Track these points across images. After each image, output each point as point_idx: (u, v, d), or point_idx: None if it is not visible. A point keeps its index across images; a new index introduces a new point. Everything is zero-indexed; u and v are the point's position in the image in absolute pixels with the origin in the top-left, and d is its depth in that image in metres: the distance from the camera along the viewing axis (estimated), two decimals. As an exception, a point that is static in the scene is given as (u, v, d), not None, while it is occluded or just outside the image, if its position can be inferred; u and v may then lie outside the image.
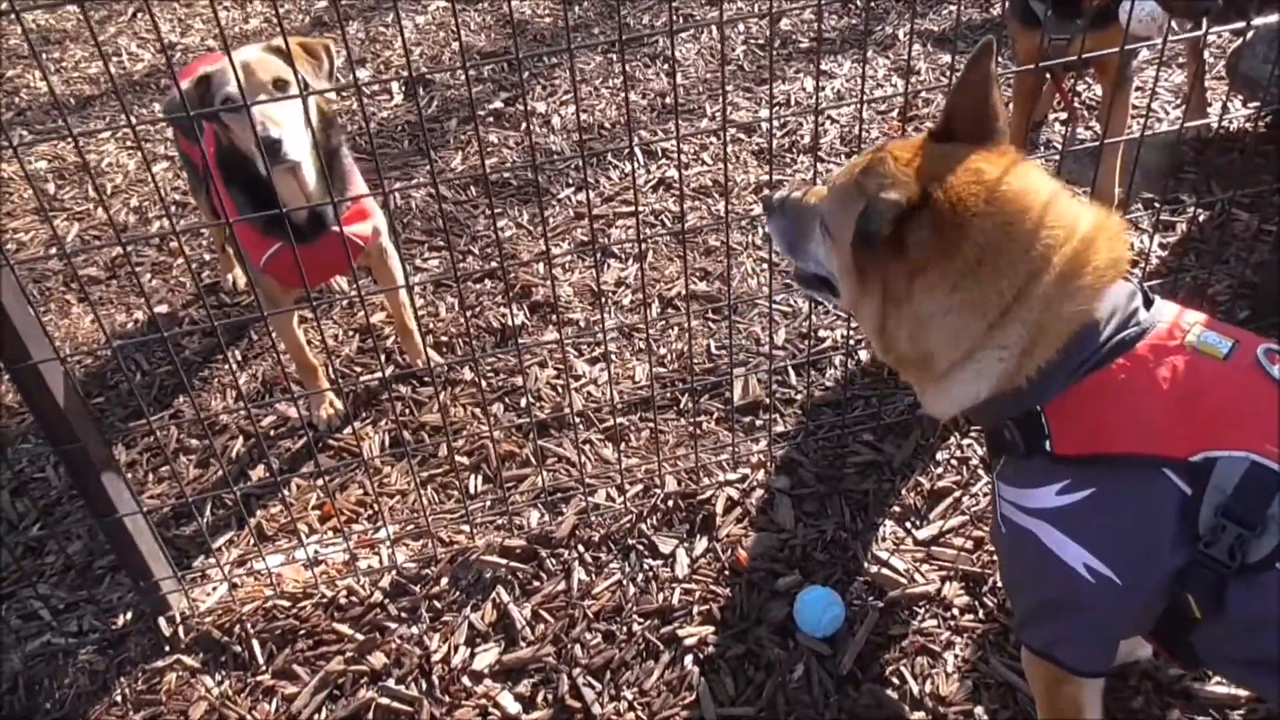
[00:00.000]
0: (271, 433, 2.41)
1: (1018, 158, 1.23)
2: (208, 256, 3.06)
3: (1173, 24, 2.16)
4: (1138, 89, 3.03)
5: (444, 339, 2.65)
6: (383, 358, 2.58)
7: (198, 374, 2.63)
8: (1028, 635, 1.32)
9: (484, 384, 2.47)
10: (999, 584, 1.85)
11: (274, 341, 2.47)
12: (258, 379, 2.60)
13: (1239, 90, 2.82)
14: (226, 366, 2.63)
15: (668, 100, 3.59)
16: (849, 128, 3.25)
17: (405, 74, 3.95)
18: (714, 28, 4.02)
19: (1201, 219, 2.66)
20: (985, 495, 2.04)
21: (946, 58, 3.60)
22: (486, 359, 2.55)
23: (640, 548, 2.03)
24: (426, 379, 2.49)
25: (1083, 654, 1.27)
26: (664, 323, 2.61)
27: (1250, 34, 2.45)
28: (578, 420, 2.34)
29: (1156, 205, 2.65)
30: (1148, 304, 1.22)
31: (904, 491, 2.09)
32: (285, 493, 2.24)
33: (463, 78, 3.80)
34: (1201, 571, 1.11)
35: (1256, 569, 1.08)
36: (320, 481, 2.26)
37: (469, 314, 2.72)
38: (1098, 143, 1.80)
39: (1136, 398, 1.15)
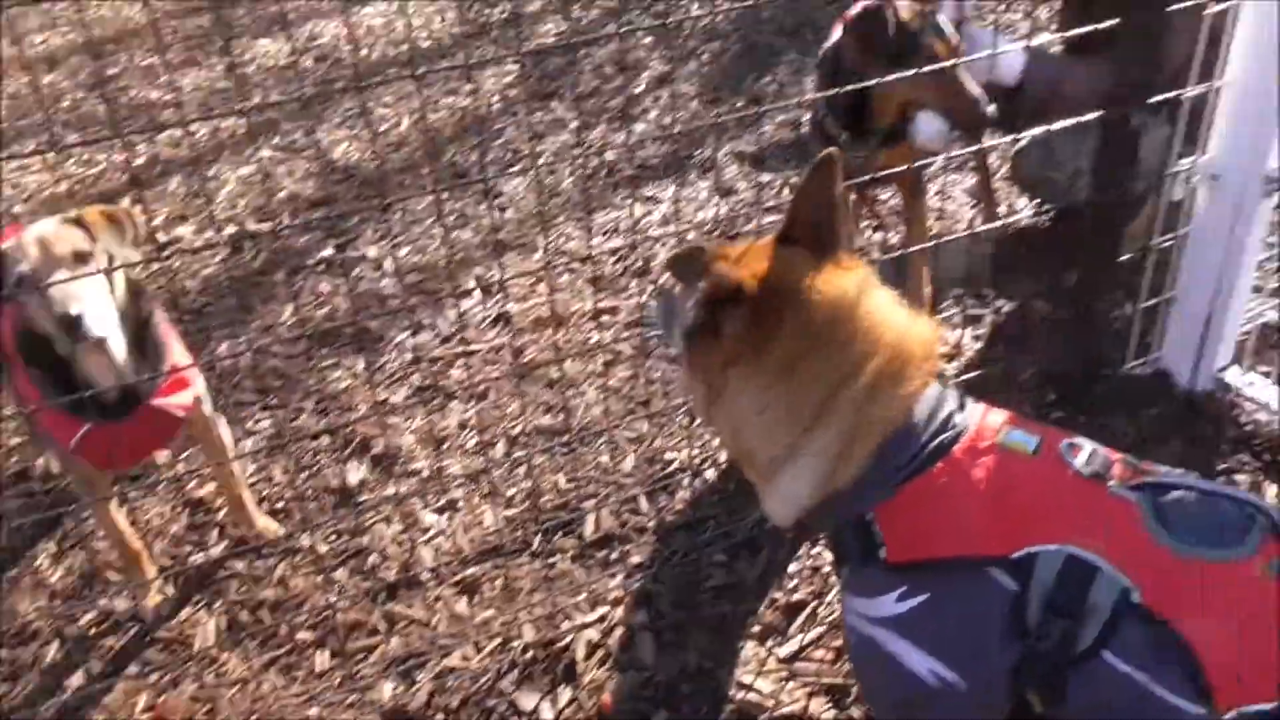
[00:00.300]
0: (92, 632, 2.23)
1: (848, 264, 1.27)
2: (15, 441, 2.87)
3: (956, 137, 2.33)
4: (936, 194, 3.24)
5: (280, 505, 2.54)
6: (215, 532, 2.45)
7: (5, 574, 2.43)
8: None
9: (325, 549, 2.37)
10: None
11: (93, 528, 2.31)
12: (74, 573, 2.42)
13: (1023, 190, 3.04)
14: (37, 563, 2.43)
15: (501, 235, 3.62)
16: (678, 249, 3.34)
17: (229, 229, 3.87)
18: (544, 160, 4.12)
19: (1005, 311, 2.83)
20: (839, 602, 2.05)
21: (765, 176, 3.77)
22: (326, 522, 2.44)
23: (502, 709, 1.94)
24: (264, 551, 2.36)
25: None
26: (509, 463, 2.57)
27: (1024, 141, 2.66)
28: (428, 576, 2.26)
29: (964, 301, 2.81)
30: (962, 406, 1.27)
31: (762, 609, 2.08)
32: (109, 699, 2.06)
33: (288, 229, 3.76)
34: (1036, 666, 1.14)
35: (1085, 658, 1.11)
36: (151, 679, 2.09)
37: (305, 475, 2.62)
38: (906, 248, 1.91)
39: (957, 500, 1.19)
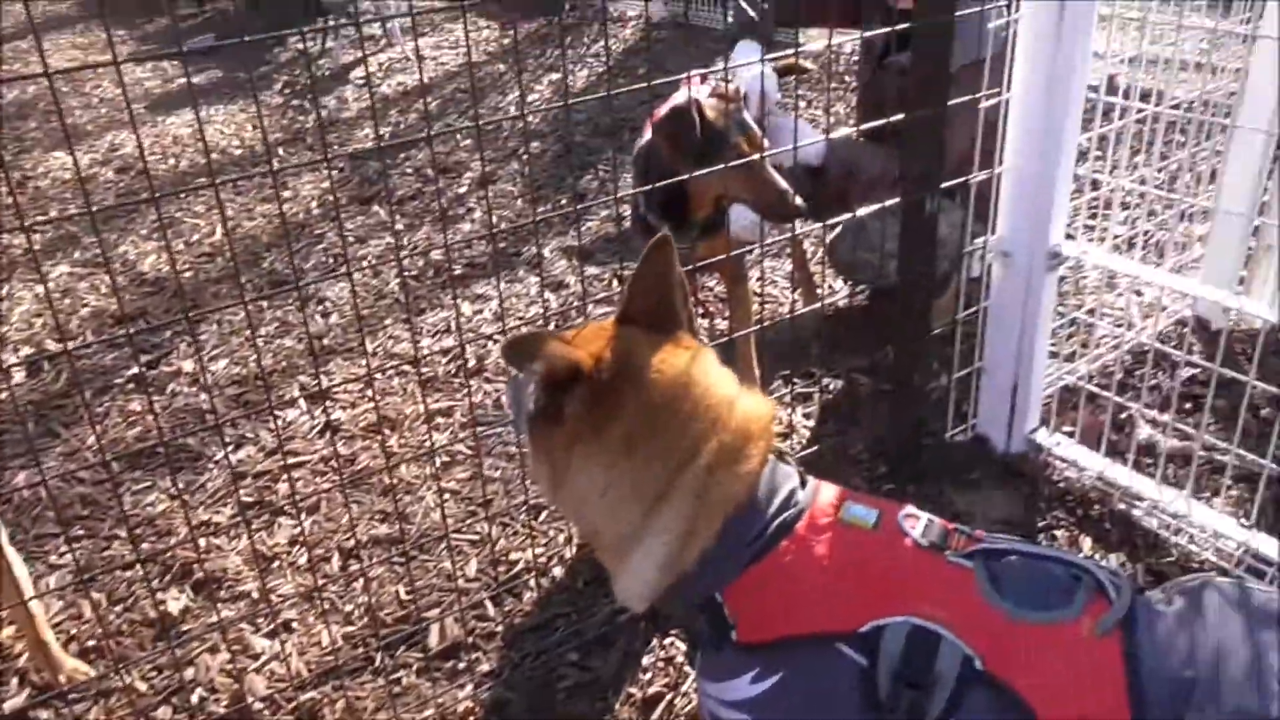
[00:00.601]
0: None
1: (687, 345, 1.29)
2: None
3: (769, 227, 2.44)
4: (758, 280, 3.37)
5: (91, 643, 2.32)
6: (15, 681, 2.21)
7: None
8: None
9: (144, 687, 2.17)
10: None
11: None
12: None
13: (839, 273, 3.21)
14: None
15: (326, 341, 3.52)
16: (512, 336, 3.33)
17: (25, 350, 3.61)
18: (369, 263, 4.05)
19: (832, 388, 2.95)
20: (695, 692, 2.04)
21: (592, 269, 3.83)
22: (144, 658, 2.25)
23: (347, 843, 1.81)
24: (72, 696, 2.15)
25: None
26: (345, 577, 2.45)
27: (839, 228, 2.81)
28: (261, 706, 2.10)
29: (792, 381, 2.91)
30: (802, 483, 1.29)
31: (618, 706, 2.04)
32: None
33: (94, 347, 3.53)
34: None
35: None
36: None
37: (120, 608, 2.41)
38: (732, 333, 1.96)
39: (804, 578, 1.20)
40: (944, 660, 1.12)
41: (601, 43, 6.72)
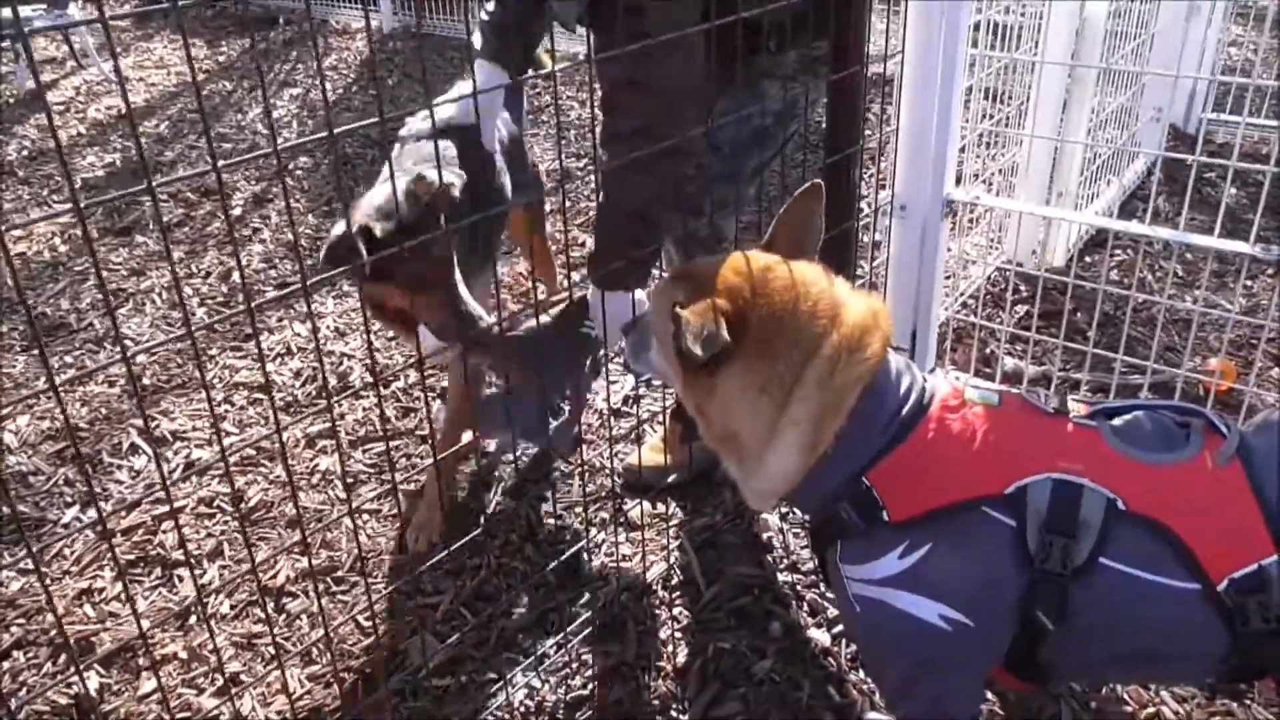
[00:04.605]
0: None
1: (807, 262, 1.43)
2: None
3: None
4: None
5: (-2, 748, 1.94)
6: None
7: None
8: (906, 709, 1.38)
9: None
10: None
11: None
12: None
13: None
14: None
15: (146, 381, 3.12)
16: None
17: None
18: (157, 292, 3.62)
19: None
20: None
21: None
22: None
23: None
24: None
25: (962, 701, 1.38)
26: (286, 616, 2.21)
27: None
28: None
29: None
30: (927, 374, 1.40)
31: (651, 681, 2.02)
32: None
33: None
34: (1042, 588, 1.26)
35: (1084, 570, 1.25)
36: None
37: (14, 703, 2.02)
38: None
39: (946, 453, 1.31)
40: (1088, 507, 1.25)
41: (332, 56, 6.43)
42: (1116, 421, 1.34)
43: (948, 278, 2.83)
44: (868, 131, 2.35)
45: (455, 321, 1.90)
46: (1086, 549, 1.24)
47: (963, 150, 2.66)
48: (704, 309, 1.29)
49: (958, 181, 2.55)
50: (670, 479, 2.47)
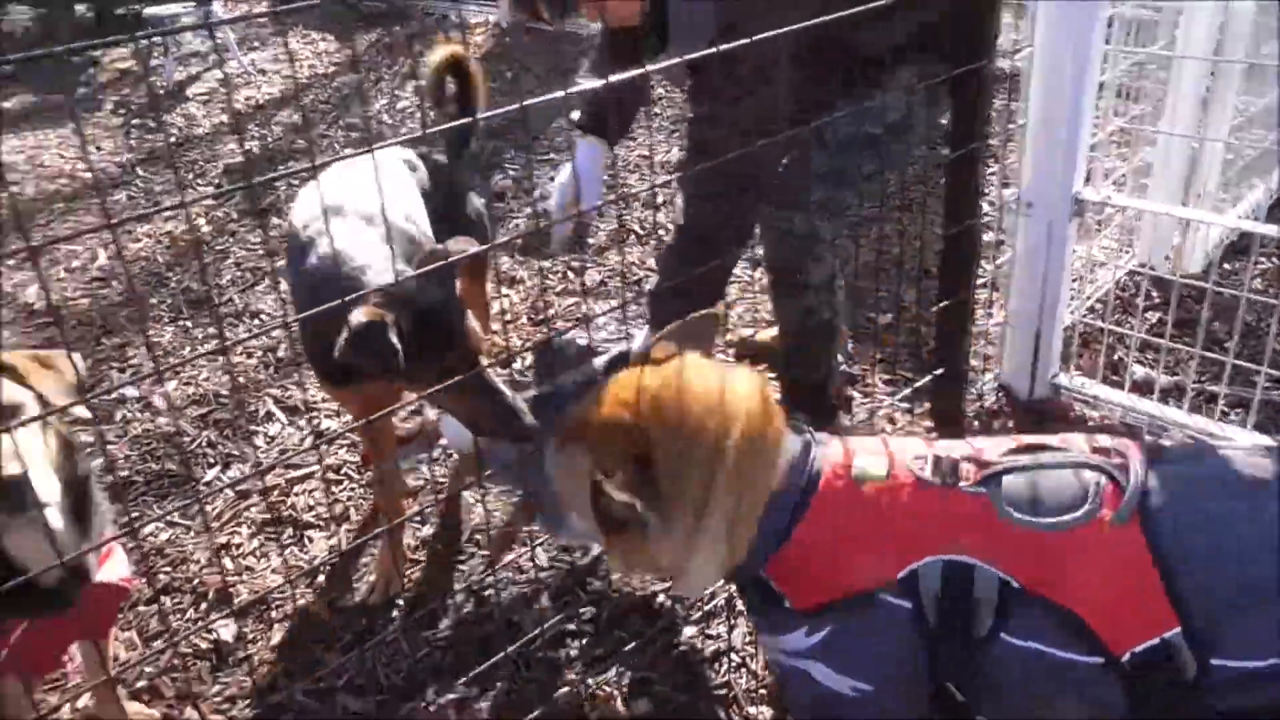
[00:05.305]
0: None
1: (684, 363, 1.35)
2: None
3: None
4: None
5: (140, 684, 2.08)
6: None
7: None
8: None
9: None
10: None
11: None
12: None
13: None
14: None
15: (281, 354, 3.30)
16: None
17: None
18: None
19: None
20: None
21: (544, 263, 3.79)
22: (209, 690, 2.03)
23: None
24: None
25: None
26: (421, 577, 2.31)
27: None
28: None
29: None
30: (809, 446, 1.34)
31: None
32: None
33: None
34: (945, 661, 1.26)
35: (987, 642, 1.23)
36: None
37: (159, 643, 2.18)
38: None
39: (836, 540, 1.29)
40: (981, 587, 1.22)
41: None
42: (1009, 486, 1.27)
43: (1074, 281, 2.77)
44: (994, 128, 2.32)
45: (493, 413, 1.72)
46: (987, 623, 1.22)
47: (1093, 149, 2.60)
48: (624, 483, 1.25)
49: (1086, 180, 2.51)
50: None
